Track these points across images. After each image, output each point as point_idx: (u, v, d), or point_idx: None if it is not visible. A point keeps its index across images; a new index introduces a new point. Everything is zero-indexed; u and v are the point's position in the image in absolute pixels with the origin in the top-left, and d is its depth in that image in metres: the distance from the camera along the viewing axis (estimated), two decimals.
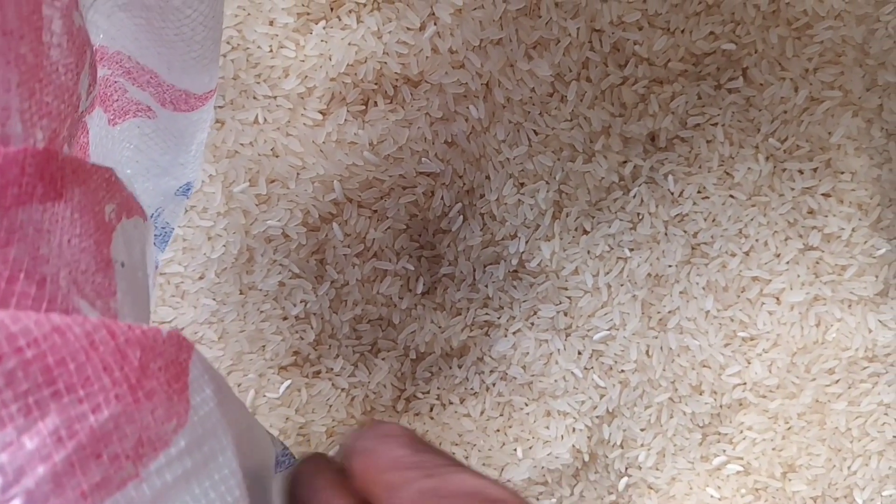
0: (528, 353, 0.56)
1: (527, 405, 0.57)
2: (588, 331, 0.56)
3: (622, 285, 0.55)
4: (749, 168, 0.55)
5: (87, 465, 0.21)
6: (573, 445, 0.56)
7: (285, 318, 0.55)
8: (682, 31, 0.53)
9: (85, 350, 0.21)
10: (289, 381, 0.55)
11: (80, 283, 0.24)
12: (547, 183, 0.54)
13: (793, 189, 0.55)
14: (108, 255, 0.27)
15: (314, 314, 0.55)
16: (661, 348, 0.56)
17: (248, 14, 0.51)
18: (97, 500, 0.21)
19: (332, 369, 0.55)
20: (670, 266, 0.56)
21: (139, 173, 0.41)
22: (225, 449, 0.24)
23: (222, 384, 0.26)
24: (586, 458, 0.56)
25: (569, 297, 0.55)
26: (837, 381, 0.56)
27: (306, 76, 0.52)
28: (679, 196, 0.55)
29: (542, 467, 0.56)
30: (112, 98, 0.37)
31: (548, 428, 0.56)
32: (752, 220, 0.55)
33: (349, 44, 0.51)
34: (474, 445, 0.57)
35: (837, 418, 0.56)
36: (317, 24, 0.51)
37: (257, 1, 0.51)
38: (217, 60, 0.39)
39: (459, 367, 0.56)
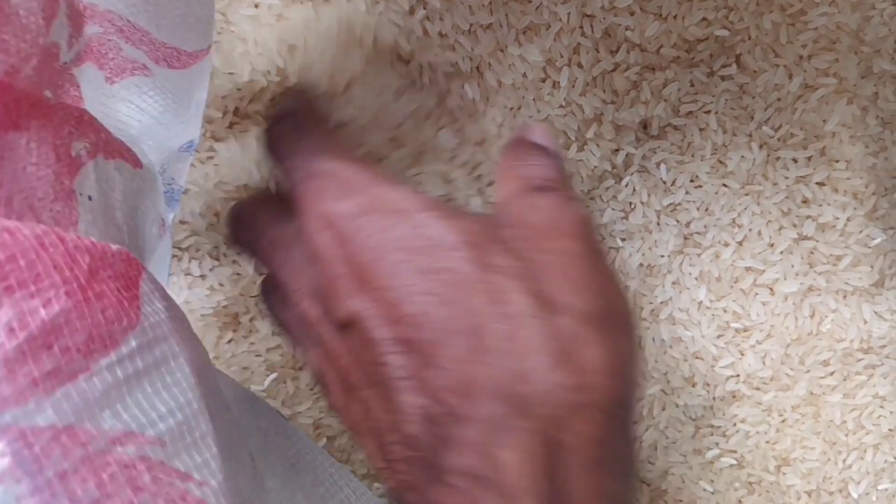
0: None
1: None
2: None
3: None
4: (742, 157, 0.54)
5: (38, 355, 0.21)
6: None
7: None
8: (675, 17, 0.53)
9: (35, 249, 0.21)
10: (275, 374, 0.54)
11: (35, 209, 0.24)
12: None
13: (787, 178, 0.54)
14: (69, 186, 0.27)
15: None
16: (653, 339, 0.55)
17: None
18: (48, 388, 0.21)
19: None
20: (663, 256, 0.55)
21: (142, 132, 0.41)
22: (177, 355, 0.24)
23: (177, 312, 0.26)
24: None
25: None
26: (832, 373, 0.55)
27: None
28: (672, 185, 0.55)
29: None
30: (108, 56, 0.38)
31: None
32: (745, 209, 0.55)
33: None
34: None
35: (832, 411, 0.55)
36: (303, 4, 0.51)
37: None
38: (208, 21, 0.40)
39: None
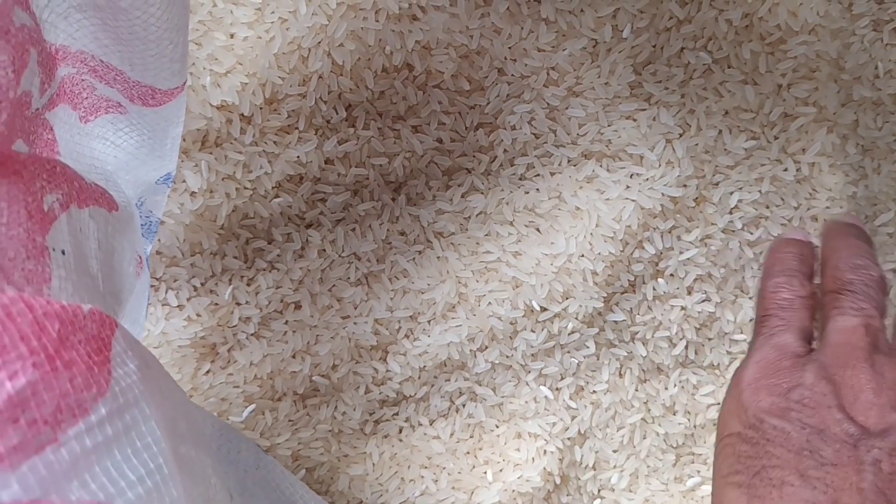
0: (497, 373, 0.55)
1: (497, 427, 0.56)
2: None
3: None
4: None
5: (3, 429, 0.20)
6: (544, 468, 0.54)
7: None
8: (654, 47, 0.53)
9: (2, 321, 0.21)
10: (253, 406, 0.54)
11: (6, 269, 0.23)
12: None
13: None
14: (42, 243, 0.26)
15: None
16: (631, 371, 0.55)
17: (209, 29, 0.50)
18: (15, 462, 0.20)
19: (297, 392, 0.54)
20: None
21: (119, 168, 0.41)
22: (148, 418, 0.23)
23: (151, 362, 0.26)
24: (557, 480, 0.55)
25: None
26: None
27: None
28: None
29: (513, 490, 0.54)
30: (81, 96, 0.37)
31: (518, 450, 0.55)
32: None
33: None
34: (444, 468, 0.55)
35: None
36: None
37: (217, 16, 0.50)
38: (182, 60, 0.39)
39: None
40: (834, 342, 0.39)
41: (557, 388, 0.55)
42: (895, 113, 0.54)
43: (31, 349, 0.21)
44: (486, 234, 0.54)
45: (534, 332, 0.54)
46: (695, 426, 0.55)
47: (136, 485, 0.22)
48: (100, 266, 0.30)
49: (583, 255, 0.53)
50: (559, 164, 0.53)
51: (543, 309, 0.53)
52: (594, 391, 0.55)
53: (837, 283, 0.41)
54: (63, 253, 0.27)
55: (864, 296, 0.40)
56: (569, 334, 0.54)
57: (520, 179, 0.54)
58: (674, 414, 0.55)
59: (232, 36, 0.50)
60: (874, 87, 0.54)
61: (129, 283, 0.37)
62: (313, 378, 0.54)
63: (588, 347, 0.54)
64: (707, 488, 0.55)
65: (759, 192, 0.54)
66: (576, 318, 0.53)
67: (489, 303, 0.53)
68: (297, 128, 0.51)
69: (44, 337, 0.21)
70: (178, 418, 0.29)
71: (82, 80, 0.36)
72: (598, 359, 0.55)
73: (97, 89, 0.36)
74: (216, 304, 0.53)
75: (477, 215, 0.54)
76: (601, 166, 0.53)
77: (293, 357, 0.54)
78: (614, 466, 0.56)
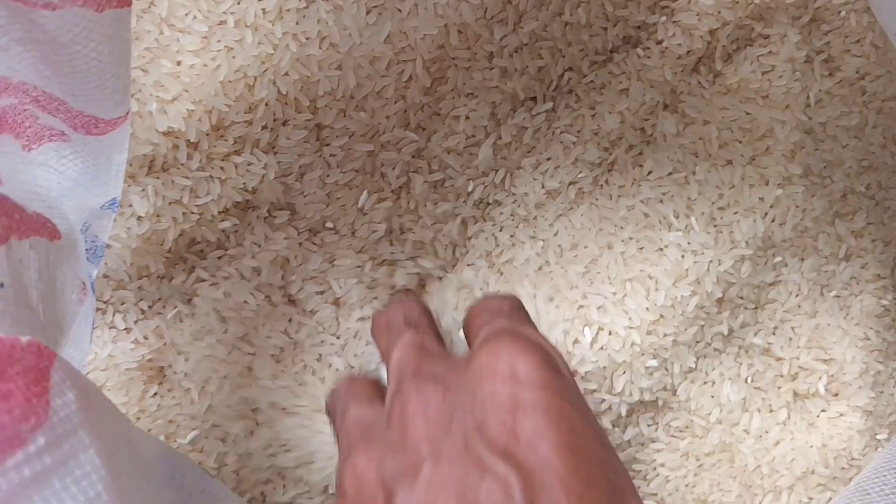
0: None
1: None
2: None
3: None
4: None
5: None
6: None
7: None
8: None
9: None
10: (196, 430, 0.54)
11: None
12: None
13: None
14: None
15: None
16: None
17: (155, 56, 0.51)
18: None
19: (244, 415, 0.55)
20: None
21: (62, 194, 0.41)
22: (87, 448, 0.24)
23: (91, 391, 0.26)
24: None
25: None
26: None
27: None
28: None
29: None
30: (24, 125, 0.38)
31: None
32: None
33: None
34: None
35: (745, 458, 0.57)
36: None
37: (164, 43, 0.51)
38: (124, 91, 0.40)
39: None
40: None
41: None
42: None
43: None
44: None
45: None
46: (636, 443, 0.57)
47: None
48: (40, 297, 0.31)
49: None
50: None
51: None
52: None
53: None
54: (1, 286, 0.28)
55: None
56: None
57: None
58: (614, 428, 0.57)
59: (178, 63, 0.51)
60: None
61: (71, 310, 0.38)
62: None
63: None
64: (648, 503, 0.57)
65: None
66: None
67: None
68: (242, 153, 0.52)
69: None
70: (119, 446, 0.29)
71: (25, 109, 0.36)
72: None
73: (40, 118, 0.37)
74: (165, 326, 0.54)
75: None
76: None
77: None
78: None
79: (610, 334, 0.54)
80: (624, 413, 0.55)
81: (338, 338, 0.55)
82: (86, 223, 0.44)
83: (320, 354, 0.55)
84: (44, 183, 0.40)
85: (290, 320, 0.55)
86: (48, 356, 0.25)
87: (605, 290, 0.54)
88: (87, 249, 0.45)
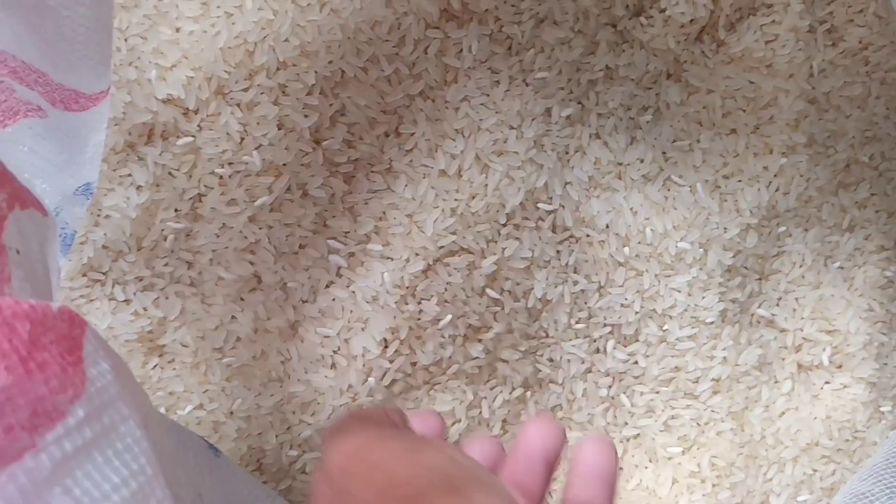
0: None
1: None
2: None
3: None
4: None
5: None
6: None
7: None
8: None
9: None
10: (198, 401, 0.53)
11: None
12: None
13: None
14: (0, 241, 0.26)
15: None
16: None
17: (154, 23, 0.50)
18: None
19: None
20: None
21: (35, 175, 0.40)
22: (126, 419, 0.23)
23: (120, 364, 0.26)
24: None
25: None
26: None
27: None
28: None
29: None
30: None
31: None
32: None
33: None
34: None
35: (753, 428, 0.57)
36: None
37: (163, 10, 0.50)
38: (107, 63, 0.38)
39: None
40: None
41: None
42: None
43: (2, 352, 0.20)
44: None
45: None
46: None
47: (121, 487, 0.22)
48: (43, 270, 0.30)
49: None
50: None
51: None
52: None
53: None
54: (17, 252, 0.27)
55: None
56: None
57: None
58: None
59: (178, 30, 0.50)
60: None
61: (56, 296, 0.36)
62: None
63: None
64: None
65: None
66: None
67: None
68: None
69: (14, 338, 0.21)
70: (150, 418, 0.28)
71: (1, 81, 0.35)
72: None
73: (17, 91, 0.36)
74: (167, 297, 0.53)
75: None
76: None
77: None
78: None
79: None
80: None
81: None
82: (57, 208, 0.42)
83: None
84: (17, 163, 0.38)
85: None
86: (80, 324, 0.24)
87: None
88: (58, 236, 0.43)
